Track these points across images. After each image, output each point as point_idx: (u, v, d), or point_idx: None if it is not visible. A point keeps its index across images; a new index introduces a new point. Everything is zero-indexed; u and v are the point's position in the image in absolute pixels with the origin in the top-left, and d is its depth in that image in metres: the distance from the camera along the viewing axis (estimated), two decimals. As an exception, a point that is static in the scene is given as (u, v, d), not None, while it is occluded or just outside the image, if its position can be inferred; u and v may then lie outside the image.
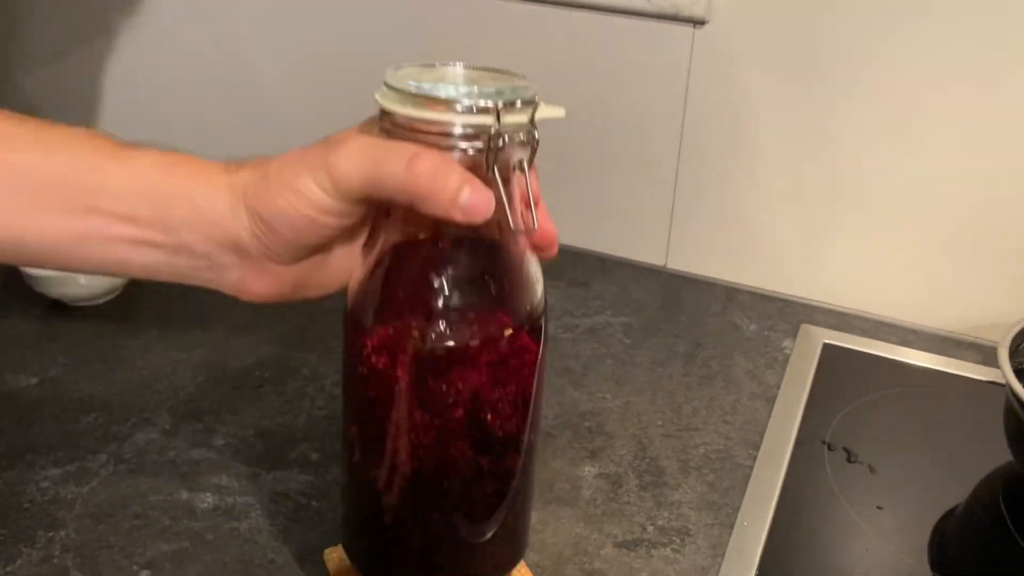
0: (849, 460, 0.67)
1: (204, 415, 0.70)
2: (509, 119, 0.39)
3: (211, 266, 0.42)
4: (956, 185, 0.76)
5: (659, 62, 0.80)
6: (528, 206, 0.42)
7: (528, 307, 0.43)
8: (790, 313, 0.83)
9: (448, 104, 0.38)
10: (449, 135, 0.38)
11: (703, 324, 0.82)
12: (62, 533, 0.60)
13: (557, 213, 0.91)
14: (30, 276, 0.79)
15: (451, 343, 0.41)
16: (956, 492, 0.64)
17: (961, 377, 0.76)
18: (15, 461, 0.66)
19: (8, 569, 0.57)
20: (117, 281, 0.82)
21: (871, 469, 0.66)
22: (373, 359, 0.43)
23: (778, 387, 0.74)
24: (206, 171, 0.41)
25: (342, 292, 0.46)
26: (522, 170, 0.42)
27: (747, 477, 0.65)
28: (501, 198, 0.39)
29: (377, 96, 0.40)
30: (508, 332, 0.42)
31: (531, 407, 0.45)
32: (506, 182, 0.40)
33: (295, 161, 0.39)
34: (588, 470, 0.66)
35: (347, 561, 0.57)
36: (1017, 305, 0.78)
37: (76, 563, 0.58)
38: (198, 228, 0.40)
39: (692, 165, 0.84)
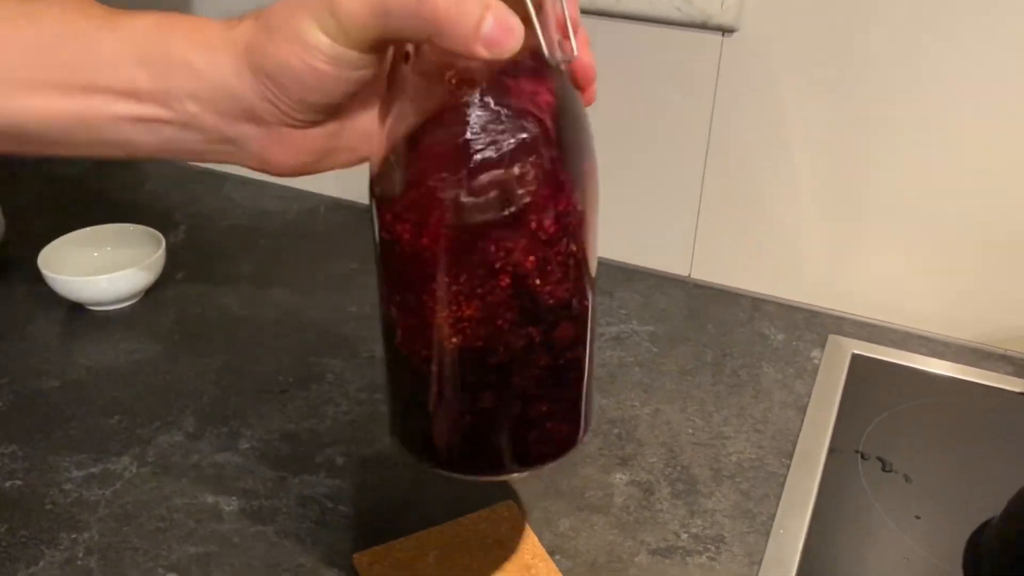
0: (884, 469, 0.66)
1: (229, 419, 0.69)
2: None
3: (225, 139, 0.38)
4: (988, 195, 0.75)
5: (687, 70, 0.79)
6: (566, 34, 0.36)
7: (574, 154, 0.38)
8: (817, 324, 0.83)
9: None
10: None
11: (730, 334, 0.81)
12: (85, 535, 0.59)
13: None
14: (52, 279, 0.78)
15: (485, 201, 0.35)
16: (993, 503, 0.63)
17: (993, 388, 0.75)
18: (37, 463, 0.65)
19: (31, 571, 0.56)
20: (139, 286, 0.81)
21: (907, 479, 0.65)
22: (398, 228, 0.37)
23: (808, 396, 0.73)
24: (205, 31, 0.37)
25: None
26: None
27: (781, 485, 0.64)
28: (533, 23, 0.34)
29: None
30: (554, 183, 0.37)
31: (584, 269, 0.40)
32: (538, 7, 0.34)
33: (295, 6, 0.35)
34: (619, 477, 0.65)
35: (376, 564, 0.56)
36: (1048, 317, 0.77)
37: (100, 565, 0.57)
38: (203, 97, 0.37)
39: (718, 174, 0.83)
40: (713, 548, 0.59)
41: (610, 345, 0.79)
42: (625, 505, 0.62)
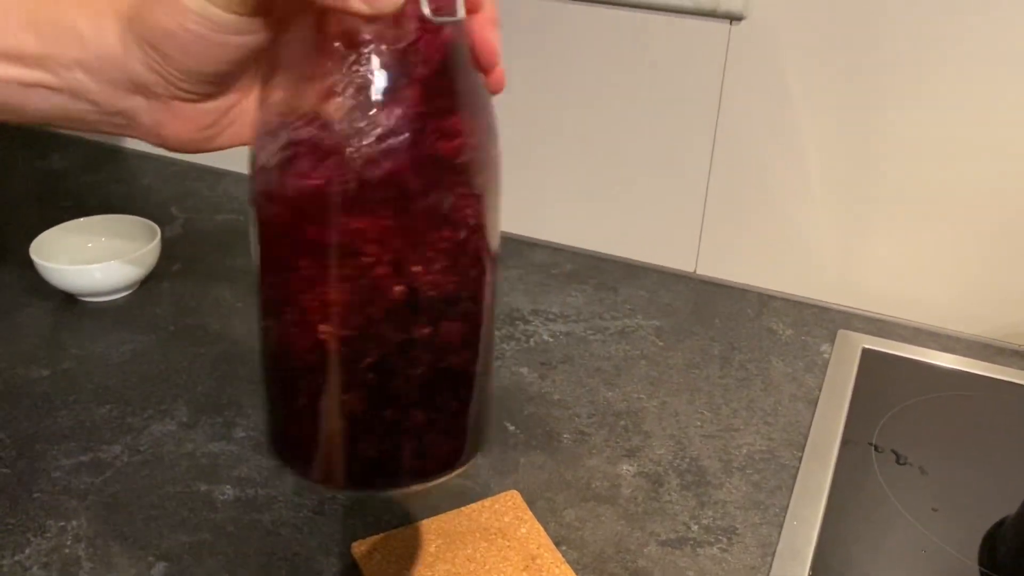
0: (899, 462, 0.64)
1: (223, 409, 0.67)
2: None
3: (116, 111, 0.37)
4: (1000, 189, 0.74)
5: (694, 59, 0.78)
6: None
7: (467, 134, 0.35)
8: (827, 319, 0.81)
9: None
10: None
11: (737, 328, 0.79)
12: (74, 523, 0.57)
13: (582, 215, 0.90)
14: (45, 268, 0.77)
15: (355, 174, 0.32)
16: (1010, 498, 0.61)
17: (1005, 382, 0.73)
18: (25, 451, 0.63)
19: (16, 558, 0.54)
20: (133, 277, 0.79)
21: (922, 471, 0.63)
22: (261, 200, 0.35)
23: (819, 390, 0.71)
24: None
25: None
26: None
27: (793, 477, 0.62)
28: None
29: None
30: (434, 161, 0.34)
31: (478, 263, 0.36)
32: None
33: None
34: (626, 468, 0.63)
35: (376, 554, 0.54)
36: (1061, 312, 0.76)
37: (88, 553, 0.55)
38: (91, 66, 0.35)
39: (725, 167, 0.82)
40: (725, 539, 0.57)
41: (615, 339, 0.77)
42: (633, 496, 0.60)
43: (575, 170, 0.88)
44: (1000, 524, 0.59)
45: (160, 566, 0.54)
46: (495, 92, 0.36)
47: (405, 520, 0.57)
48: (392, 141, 0.32)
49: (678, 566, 0.55)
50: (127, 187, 1.02)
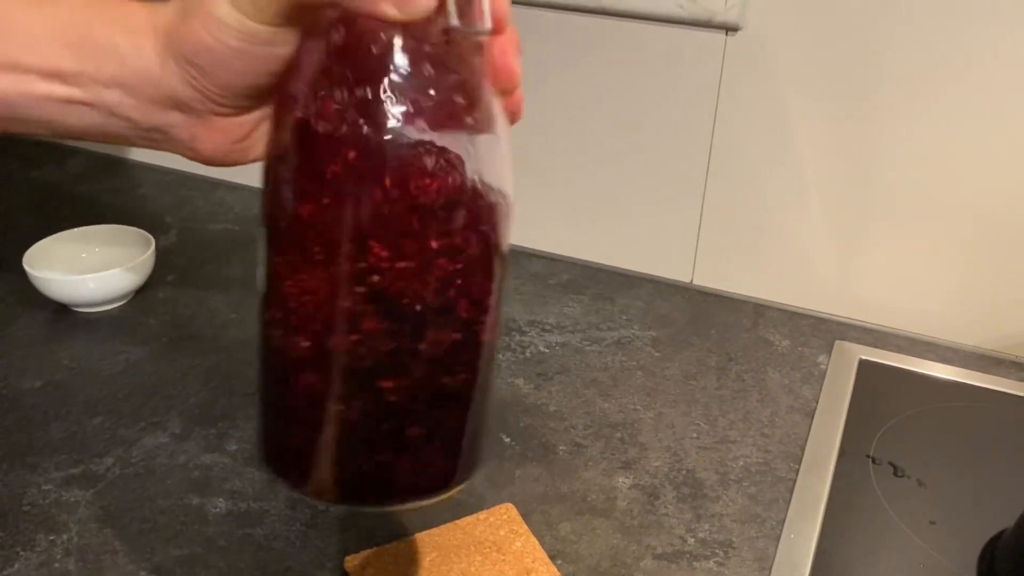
0: (896, 474, 0.64)
1: (217, 421, 0.67)
2: None
3: (153, 127, 0.38)
4: (996, 200, 0.74)
5: (689, 70, 0.78)
6: (479, 9, 0.33)
7: (477, 144, 0.34)
8: (823, 330, 0.81)
9: None
10: None
11: (734, 339, 0.79)
12: (64, 537, 0.56)
13: (579, 225, 0.89)
14: (37, 279, 0.76)
15: (361, 172, 0.32)
16: (1009, 510, 0.61)
17: (1003, 394, 0.73)
18: (15, 463, 0.62)
19: (5, 573, 0.54)
20: (127, 287, 0.79)
21: (920, 483, 0.63)
22: (266, 197, 0.35)
23: (816, 401, 0.71)
24: (131, 14, 0.36)
25: None
26: None
27: (790, 490, 0.62)
28: None
29: None
30: (443, 169, 0.33)
31: (484, 275, 0.36)
32: None
33: None
34: (622, 481, 0.62)
35: (369, 568, 0.54)
36: (1058, 323, 0.76)
37: (78, 568, 0.54)
38: (128, 84, 0.36)
39: (721, 177, 0.82)
40: (721, 553, 0.57)
41: (611, 350, 0.77)
42: (628, 509, 0.60)
43: (571, 180, 0.88)
44: (998, 537, 0.59)
45: (151, 580, 0.53)
46: (514, 117, 0.36)
47: (399, 534, 0.56)
48: (407, 151, 0.32)
49: (674, 580, 0.55)
50: (121, 197, 1.01)
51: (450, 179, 0.34)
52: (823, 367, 0.75)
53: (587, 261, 0.91)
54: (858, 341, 0.79)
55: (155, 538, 0.56)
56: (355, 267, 0.33)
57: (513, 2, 0.36)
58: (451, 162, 0.34)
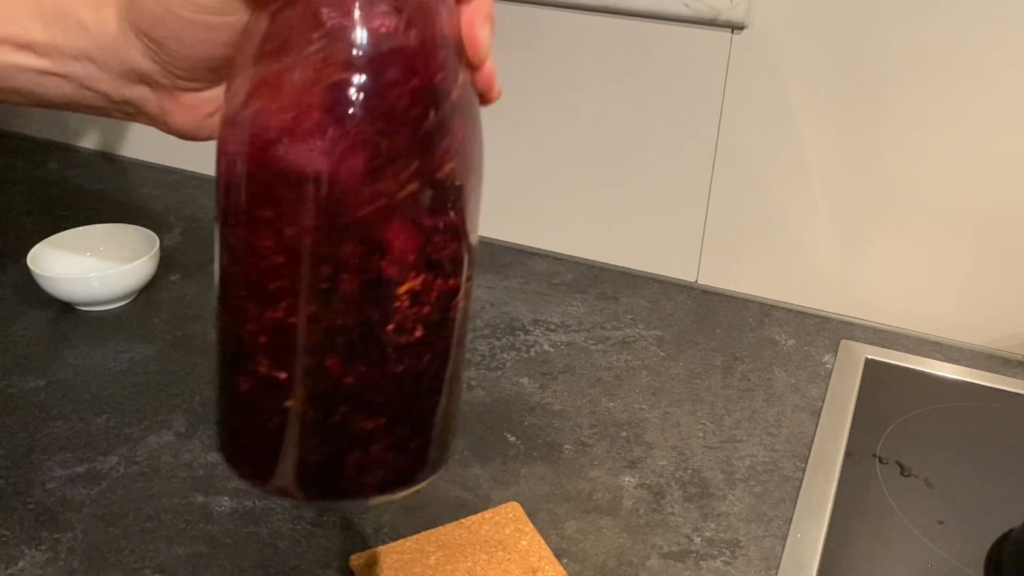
0: (903, 474, 0.63)
1: (221, 419, 0.66)
2: None
3: (124, 100, 0.38)
4: (1003, 200, 0.74)
5: (694, 69, 0.78)
6: None
7: (436, 148, 0.32)
8: (829, 330, 0.80)
9: None
10: None
11: (739, 339, 0.79)
12: (69, 535, 0.56)
13: (583, 224, 0.89)
14: (42, 278, 0.76)
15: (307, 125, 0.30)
16: (1017, 510, 0.61)
17: (1010, 393, 0.73)
18: (20, 462, 0.62)
19: (10, 571, 0.53)
20: (132, 286, 0.79)
21: (927, 483, 0.63)
22: (221, 164, 0.34)
23: (822, 401, 0.71)
24: None
25: None
26: None
27: (797, 489, 0.62)
28: None
29: None
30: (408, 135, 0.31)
31: (457, 256, 0.34)
32: None
33: None
34: (628, 480, 0.62)
35: (374, 567, 0.53)
36: (1066, 322, 0.75)
37: (83, 566, 0.54)
38: (96, 58, 0.36)
39: (726, 176, 0.82)
40: (728, 552, 0.56)
41: (615, 349, 0.77)
42: (635, 508, 0.60)
43: (576, 179, 0.88)
44: (1006, 536, 0.59)
45: (156, 579, 0.53)
46: (485, 94, 0.35)
47: (404, 532, 0.56)
48: (362, 126, 0.31)
49: (681, 579, 0.54)
50: (125, 196, 1.01)
51: (408, 168, 0.32)
52: (829, 366, 0.75)
53: (591, 260, 0.91)
54: (864, 341, 0.79)
55: (160, 536, 0.56)
56: (312, 256, 0.32)
57: (517, 0, 0.35)
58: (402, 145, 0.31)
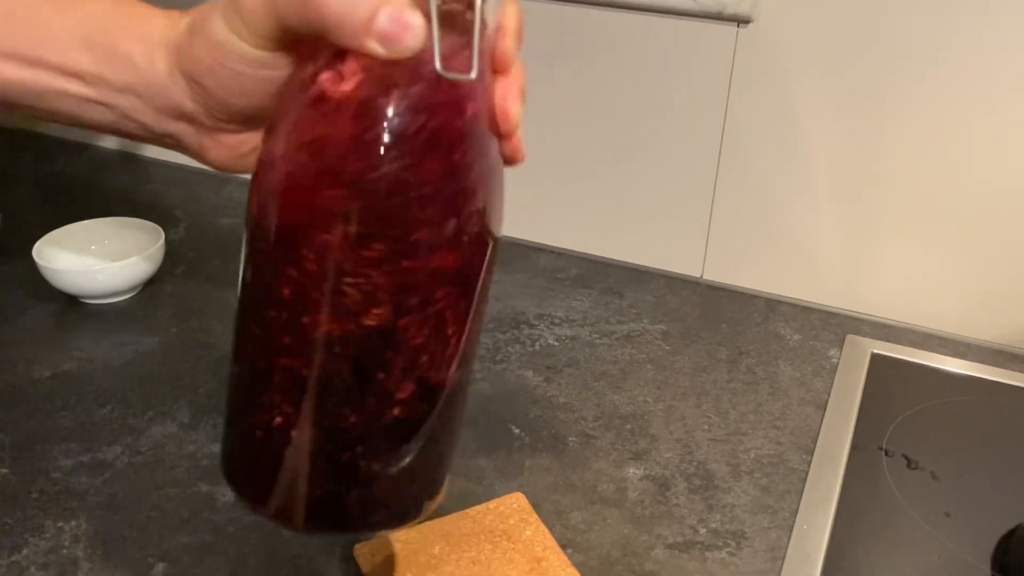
0: (909, 467, 0.63)
1: (225, 410, 0.66)
2: None
3: (165, 134, 0.39)
4: (1008, 195, 0.73)
5: (700, 63, 0.78)
6: (474, 51, 0.32)
7: (471, 204, 0.33)
8: (835, 325, 0.80)
9: None
10: None
11: (744, 333, 0.79)
12: (72, 523, 0.56)
13: (588, 219, 0.89)
14: (48, 271, 0.76)
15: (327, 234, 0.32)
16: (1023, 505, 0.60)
17: (1017, 388, 0.72)
18: (24, 451, 0.62)
19: (13, 559, 0.53)
20: (137, 279, 0.79)
21: (934, 476, 0.62)
22: (252, 203, 0.35)
23: (827, 394, 0.70)
24: (151, 25, 0.37)
25: None
26: None
27: (802, 481, 0.61)
28: (433, 25, 0.30)
29: None
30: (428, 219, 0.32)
31: (460, 318, 0.35)
32: (444, 12, 0.31)
33: (211, 6, 0.35)
34: (633, 472, 0.62)
35: (378, 556, 0.53)
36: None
37: (87, 554, 0.54)
38: (141, 93, 0.38)
39: (732, 171, 0.81)
40: (733, 543, 0.56)
41: (621, 343, 0.77)
42: (639, 499, 0.59)
43: (580, 174, 0.87)
44: (1013, 532, 0.58)
45: (160, 567, 0.53)
46: (510, 162, 0.36)
47: (408, 522, 0.56)
48: (389, 183, 0.32)
49: (686, 570, 0.54)
50: (132, 191, 1.01)
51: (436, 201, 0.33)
52: (835, 361, 0.75)
53: (596, 256, 0.90)
54: (870, 336, 0.79)
55: (163, 525, 0.56)
56: (335, 288, 0.33)
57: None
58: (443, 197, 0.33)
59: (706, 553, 0.55)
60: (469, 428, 0.66)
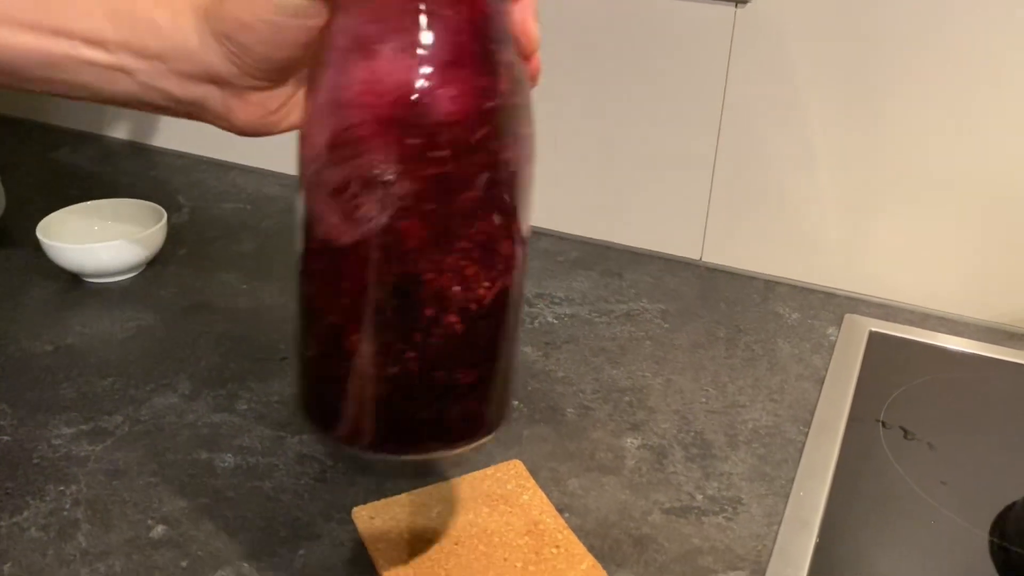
0: (906, 438, 0.63)
1: (227, 382, 0.67)
2: None
3: (189, 99, 0.39)
4: (1007, 174, 0.74)
5: (698, 43, 0.78)
6: None
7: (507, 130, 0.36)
8: (833, 304, 0.80)
9: None
10: None
11: (743, 312, 0.79)
12: (73, 488, 0.56)
13: (587, 202, 0.89)
14: (51, 247, 0.77)
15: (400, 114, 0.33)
16: (1021, 478, 0.60)
17: (1013, 364, 0.73)
18: (26, 420, 0.62)
19: (14, 520, 0.54)
20: (139, 258, 0.79)
21: (930, 447, 0.62)
22: (305, 153, 0.36)
23: (825, 370, 0.70)
24: None
25: None
26: None
27: (799, 451, 0.61)
28: None
29: None
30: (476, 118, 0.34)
31: (510, 232, 0.37)
32: None
33: None
34: (630, 441, 0.62)
35: (377, 519, 0.54)
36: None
37: (87, 516, 0.54)
38: (167, 58, 0.38)
39: (731, 153, 0.82)
40: (730, 508, 0.56)
41: (620, 321, 0.77)
42: (637, 467, 0.60)
43: (579, 158, 0.88)
44: (1011, 507, 0.58)
45: (159, 529, 0.53)
46: (533, 80, 0.38)
47: (407, 487, 0.56)
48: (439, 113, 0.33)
49: (683, 533, 0.54)
50: (135, 178, 1.02)
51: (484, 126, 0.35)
52: (833, 338, 0.75)
53: (596, 239, 0.91)
54: (869, 315, 0.79)
55: (163, 490, 0.57)
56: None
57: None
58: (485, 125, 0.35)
59: (703, 518, 0.55)
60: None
